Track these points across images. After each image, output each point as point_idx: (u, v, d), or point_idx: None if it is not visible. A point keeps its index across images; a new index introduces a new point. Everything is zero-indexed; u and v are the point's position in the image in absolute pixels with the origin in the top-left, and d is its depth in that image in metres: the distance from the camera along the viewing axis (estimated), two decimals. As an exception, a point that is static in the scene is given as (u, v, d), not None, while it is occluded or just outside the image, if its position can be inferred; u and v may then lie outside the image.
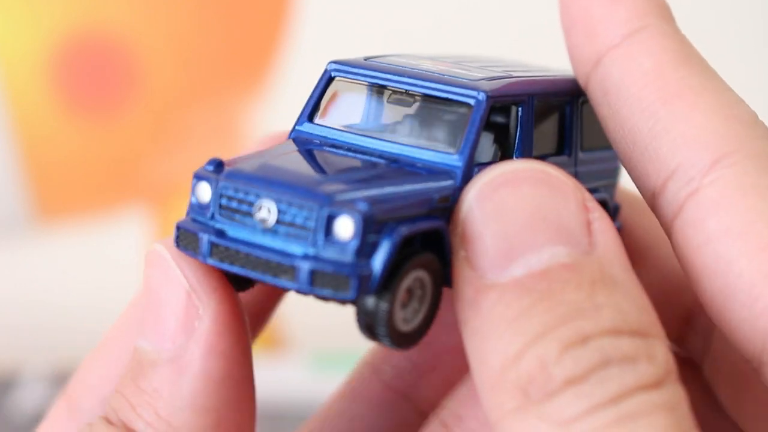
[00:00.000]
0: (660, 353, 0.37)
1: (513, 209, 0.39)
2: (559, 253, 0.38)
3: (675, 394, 0.36)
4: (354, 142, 0.44)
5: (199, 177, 0.41)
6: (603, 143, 0.47)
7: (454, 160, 0.42)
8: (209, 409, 0.40)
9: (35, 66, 1.14)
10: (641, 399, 0.35)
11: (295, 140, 0.45)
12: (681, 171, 0.41)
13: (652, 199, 0.43)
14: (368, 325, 0.39)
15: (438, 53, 0.51)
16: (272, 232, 0.40)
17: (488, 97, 0.43)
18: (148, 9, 1.13)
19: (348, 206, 0.38)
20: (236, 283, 0.43)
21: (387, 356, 0.52)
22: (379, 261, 0.39)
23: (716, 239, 0.39)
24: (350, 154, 0.44)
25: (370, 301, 0.39)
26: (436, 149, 0.43)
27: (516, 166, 0.40)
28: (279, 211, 0.40)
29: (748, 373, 0.46)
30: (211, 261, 0.40)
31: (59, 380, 1.07)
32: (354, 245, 0.38)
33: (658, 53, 0.43)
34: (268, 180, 0.40)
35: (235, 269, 0.40)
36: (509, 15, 1.09)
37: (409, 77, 0.44)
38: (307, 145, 0.45)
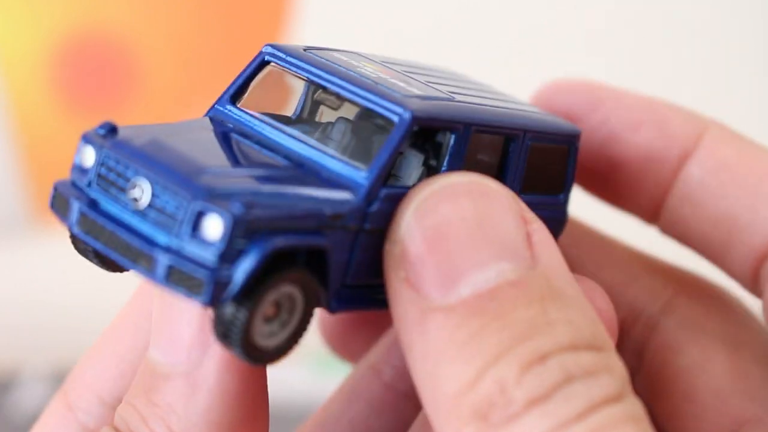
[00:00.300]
0: (617, 365, 0.36)
1: (454, 225, 0.37)
2: (505, 269, 0.37)
3: (636, 404, 0.36)
4: (267, 134, 0.41)
5: (86, 139, 0.39)
6: (548, 189, 0.45)
7: (361, 177, 0.39)
8: (223, 424, 0.39)
9: (35, 65, 1.14)
10: (608, 412, 0.35)
11: (211, 119, 0.43)
12: None
13: (755, 270, 0.46)
14: (223, 333, 0.36)
15: (396, 59, 0.48)
16: (141, 214, 0.37)
17: (413, 117, 0.39)
18: (148, 9, 1.13)
19: (221, 205, 0.35)
20: (107, 263, 0.41)
21: (387, 357, 0.52)
22: (242, 270, 0.36)
23: None
24: (256, 147, 0.40)
25: (229, 309, 0.36)
26: (345, 161, 0.40)
27: (453, 179, 0.39)
28: (152, 194, 0.37)
29: (685, 387, 0.47)
30: (76, 230, 0.38)
31: (59, 380, 1.07)
32: (218, 248, 0.35)
33: (734, 142, 0.48)
34: (150, 158, 0.37)
35: (98, 246, 0.37)
36: (509, 15, 1.09)
37: (339, 78, 0.41)
38: (216, 128, 0.42)
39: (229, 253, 0.35)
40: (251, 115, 0.42)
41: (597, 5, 1.06)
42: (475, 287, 0.36)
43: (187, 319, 0.39)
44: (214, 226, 0.35)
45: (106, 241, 0.37)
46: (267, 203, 0.36)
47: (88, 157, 0.38)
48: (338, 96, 0.41)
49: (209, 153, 0.39)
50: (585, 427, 0.34)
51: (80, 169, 0.39)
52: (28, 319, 1.16)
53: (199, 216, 0.36)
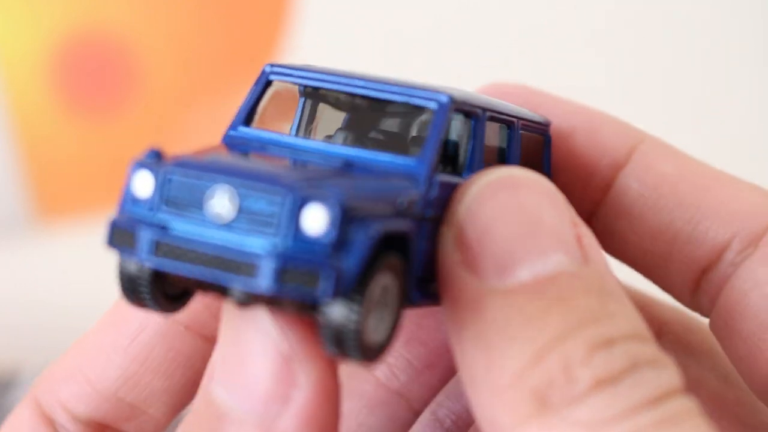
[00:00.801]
0: (673, 364, 0.36)
1: (514, 213, 0.38)
2: (562, 260, 0.37)
3: (695, 400, 0.36)
4: (301, 145, 0.40)
5: (140, 165, 0.36)
6: None
7: (415, 165, 0.38)
8: None
9: (35, 66, 1.14)
10: (678, 402, 0.35)
11: (229, 144, 0.41)
12: (737, 241, 0.44)
13: (695, 283, 0.45)
14: (336, 338, 0.35)
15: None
16: (227, 226, 0.35)
17: (451, 100, 0.40)
18: (148, 9, 1.13)
19: (320, 194, 0.34)
20: (167, 300, 0.38)
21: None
22: (353, 257, 0.34)
23: None
24: (299, 155, 0.39)
25: (338, 309, 0.35)
26: (392, 154, 0.39)
27: (513, 171, 0.39)
28: (237, 202, 0.35)
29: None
30: (154, 260, 0.35)
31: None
32: (327, 238, 0.34)
33: (671, 156, 0.46)
34: (224, 168, 0.35)
35: (183, 269, 0.35)
36: (509, 15, 1.09)
37: (363, 80, 0.40)
38: (246, 147, 0.40)
39: (339, 242, 0.34)
40: (272, 132, 0.41)
41: (597, 5, 1.06)
42: (535, 272, 0.37)
43: (265, 367, 0.36)
44: (318, 217, 0.34)
45: (193, 261, 0.34)
46: (354, 190, 0.35)
47: (145, 182, 0.36)
48: (359, 98, 0.41)
49: (266, 162, 0.38)
50: (656, 415, 0.34)
51: (136, 199, 0.36)
52: (28, 319, 1.16)
53: (299, 210, 0.34)
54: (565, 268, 0.37)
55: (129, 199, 0.36)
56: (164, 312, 0.38)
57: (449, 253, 0.38)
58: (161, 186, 0.35)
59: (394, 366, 0.51)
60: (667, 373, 0.35)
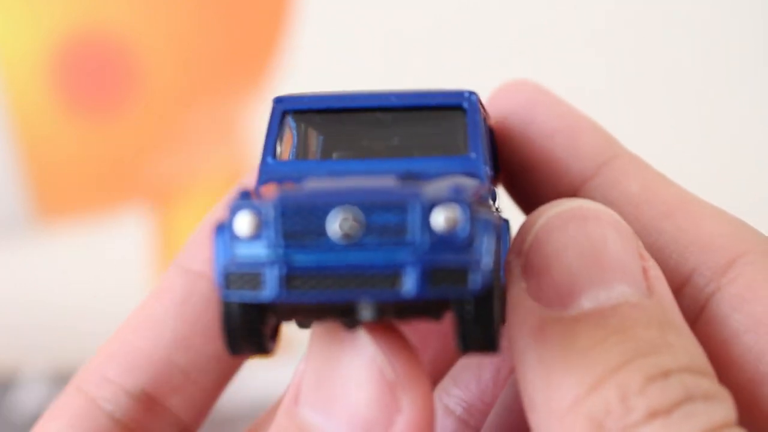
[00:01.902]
0: (729, 398, 0.36)
1: (580, 244, 0.38)
2: (626, 291, 0.37)
3: None
4: (347, 166, 0.40)
5: (239, 207, 0.36)
6: None
7: (471, 161, 0.40)
8: None
9: (35, 66, 1.14)
10: None
11: (275, 179, 0.40)
12: (697, 275, 0.42)
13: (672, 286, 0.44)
14: (480, 328, 0.35)
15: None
16: (356, 244, 0.35)
17: (478, 96, 0.41)
18: (148, 9, 1.13)
19: (443, 196, 0.35)
20: (272, 340, 0.38)
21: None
22: (485, 251, 0.35)
23: (743, 332, 0.40)
24: (359, 173, 0.40)
25: (478, 300, 0.35)
26: (441, 158, 0.40)
27: (582, 203, 0.40)
28: (362, 219, 0.35)
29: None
30: (288, 295, 0.35)
31: (59, 380, 1.07)
32: (463, 234, 0.34)
33: (641, 175, 0.45)
34: (333, 192, 0.36)
35: (319, 297, 0.35)
36: (509, 15, 1.09)
37: (382, 96, 0.41)
38: (297, 176, 0.40)
39: (471, 238, 0.35)
40: (307, 161, 0.42)
41: (597, 5, 1.06)
42: (597, 302, 0.37)
43: (366, 386, 0.37)
44: (449, 218, 0.35)
45: (328, 286, 0.35)
46: (459, 189, 0.36)
47: (249, 223, 0.36)
48: (382, 111, 0.42)
49: (353, 179, 0.38)
50: None
51: (241, 241, 0.36)
52: (28, 319, 1.16)
53: (429, 214, 0.35)
54: (628, 299, 0.37)
55: (235, 243, 0.36)
56: (267, 354, 0.39)
57: (516, 281, 0.39)
58: (275, 221, 0.35)
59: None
60: (722, 407, 0.35)
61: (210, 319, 0.45)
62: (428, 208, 0.35)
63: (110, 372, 0.45)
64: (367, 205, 0.35)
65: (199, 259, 0.46)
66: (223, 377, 0.47)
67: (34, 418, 0.47)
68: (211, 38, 1.15)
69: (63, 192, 1.18)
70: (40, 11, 1.13)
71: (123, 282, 1.12)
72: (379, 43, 1.09)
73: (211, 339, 0.45)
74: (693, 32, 1.09)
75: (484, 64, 1.06)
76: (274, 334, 0.39)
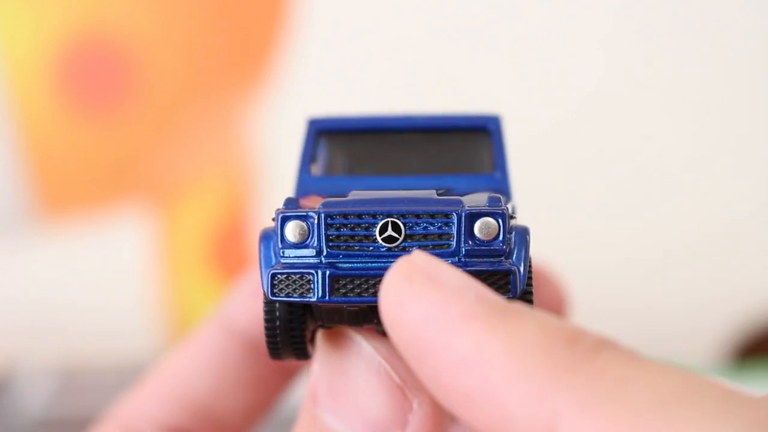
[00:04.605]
0: None
1: None
2: None
3: None
4: (380, 182, 0.43)
5: (288, 217, 0.38)
6: None
7: (497, 179, 0.43)
8: None
9: (38, 66, 1.14)
10: None
11: (315, 192, 0.43)
12: None
13: None
14: None
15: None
16: (400, 250, 0.38)
17: (500, 118, 0.45)
18: (149, 9, 1.13)
19: (482, 207, 0.38)
20: (311, 345, 0.40)
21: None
22: (523, 257, 0.38)
23: None
24: (394, 188, 0.42)
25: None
26: (469, 175, 0.44)
27: None
28: (407, 227, 0.38)
29: None
30: (334, 298, 0.38)
31: (59, 380, 1.07)
32: (503, 243, 0.37)
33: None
34: (378, 202, 0.39)
35: (366, 299, 0.37)
36: (512, 17, 1.09)
37: (410, 118, 0.45)
38: (341, 190, 0.42)
39: (509, 246, 0.38)
40: (338, 176, 0.45)
41: (597, 5, 1.06)
42: None
43: (378, 390, 0.38)
44: (490, 228, 0.37)
45: (376, 289, 0.37)
46: (494, 202, 0.39)
47: (298, 231, 0.38)
48: (408, 134, 0.45)
49: (387, 192, 0.41)
50: None
51: (289, 246, 0.38)
52: (28, 319, 1.16)
53: (472, 224, 0.37)
54: None
55: (282, 248, 0.38)
56: (307, 358, 0.41)
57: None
58: (323, 228, 0.38)
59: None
60: None
61: (245, 372, 0.48)
62: (471, 219, 0.37)
63: (152, 410, 0.47)
64: (412, 214, 0.38)
65: (239, 319, 0.48)
66: (253, 417, 0.50)
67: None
68: (212, 38, 1.15)
69: (64, 191, 1.18)
70: (43, 12, 1.13)
71: (123, 281, 1.12)
72: (380, 43, 1.09)
73: (245, 388, 0.48)
74: (693, 32, 1.09)
75: (485, 65, 1.06)
76: (312, 339, 0.41)
